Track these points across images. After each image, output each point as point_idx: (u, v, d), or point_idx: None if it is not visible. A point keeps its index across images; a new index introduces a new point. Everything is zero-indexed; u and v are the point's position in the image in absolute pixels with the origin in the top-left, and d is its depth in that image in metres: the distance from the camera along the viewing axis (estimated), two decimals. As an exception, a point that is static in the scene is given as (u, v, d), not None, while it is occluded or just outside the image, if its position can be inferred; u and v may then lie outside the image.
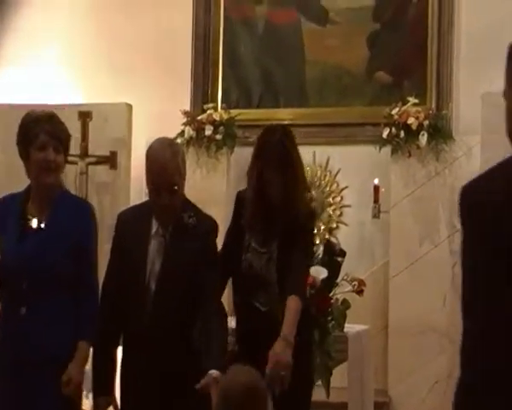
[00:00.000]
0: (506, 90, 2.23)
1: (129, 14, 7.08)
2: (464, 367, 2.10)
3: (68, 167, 6.34)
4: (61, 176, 3.70)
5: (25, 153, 3.55)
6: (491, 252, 2.05)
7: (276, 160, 3.55)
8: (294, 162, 3.64)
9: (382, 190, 6.31)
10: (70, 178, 6.34)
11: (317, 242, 5.73)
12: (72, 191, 5.80)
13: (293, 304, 3.40)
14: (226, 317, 3.46)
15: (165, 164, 3.34)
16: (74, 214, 3.55)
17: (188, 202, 3.50)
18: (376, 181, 6.30)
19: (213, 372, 3.10)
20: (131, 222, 3.53)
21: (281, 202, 3.55)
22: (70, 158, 6.17)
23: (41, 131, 3.50)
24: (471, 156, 6.26)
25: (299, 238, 3.55)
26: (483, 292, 2.06)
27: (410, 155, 6.36)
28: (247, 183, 3.67)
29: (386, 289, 6.27)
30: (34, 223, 3.53)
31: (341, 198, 6.71)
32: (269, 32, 7.08)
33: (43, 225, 3.52)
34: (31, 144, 3.52)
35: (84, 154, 6.49)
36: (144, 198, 3.76)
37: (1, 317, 3.56)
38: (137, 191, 6.08)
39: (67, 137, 3.65)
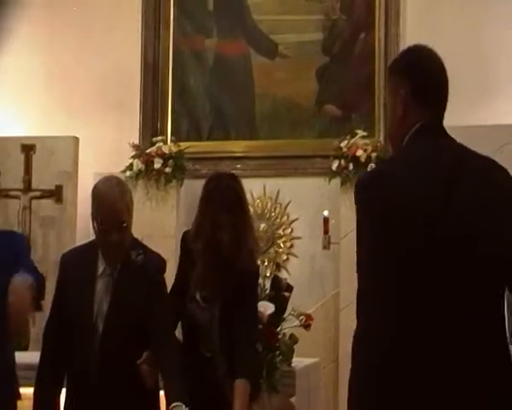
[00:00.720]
0: (387, 98, 2.54)
1: (77, 47, 7.06)
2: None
3: (10, 201, 6.31)
4: None
5: None
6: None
7: (227, 202, 3.52)
8: (245, 206, 3.63)
9: (332, 221, 6.33)
10: (13, 212, 6.26)
11: (267, 274, 5.74)
12: (15, 226, 5.73)
13: (241, 389, 3.40)
14: (182, 353, 3.43)
15: (114, 203, 3.31)
16: (7, 247, 3.48)
17: (135, 240, 3.47)
18: (326, 213, 6.32)
19: (177, 406, 3.09)
20: (76, 263, 3.47)
21: (231, 249, 3.51)
22: (12, 192, 6.16)
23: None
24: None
25: (245, 301, 3.53)
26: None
27: (359, 187, 6.38)
28: (195, 232, 3.62)
29: (336, 321, 6.28)
30: None
31: (292, 230, 6.73)
32: (219, 64, 7.11)
33: None
34: None
35: (28, 188, 6.39)
36: (91, 232, 3.72)
37: None
38: (84, 226, 6.02)
39: None
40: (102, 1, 7.14)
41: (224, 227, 3.48)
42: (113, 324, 3.32)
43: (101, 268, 3.39)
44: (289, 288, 4.38)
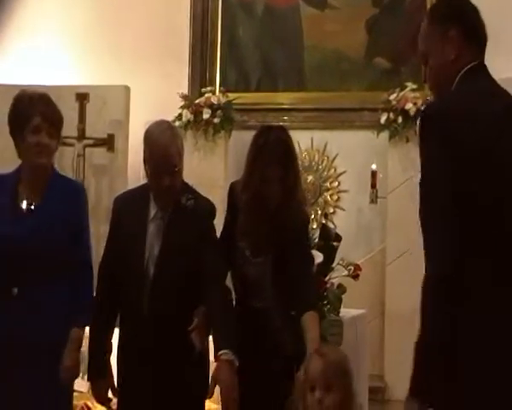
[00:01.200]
0: (427, 44, 2.60)
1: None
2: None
3: (66, 149, 6.37)
4: (52, 158, 3.65)
5: (17, 134, 3.47)
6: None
7: (277, 156, 3.50)
8: (294, 160, 3.61)
9: (380, 175, 6.29)
10: (67, 159, 6.35)
11: (314, 226, 5.74)
12: (70, 173, 5.79)
13: (314, 322, 3.38)
14: (231, 301, 3.45)
15: (166, 147, 3.32)
16: (68, 196, 3.49)
17: (186, 184, 3.48)
18: (374, 166, 6.29)
19: (225, 354, 3.11)
20: (129, 206, 3.50)
21: (280, 203, 3.51)
22: (67, 140, 6.21)
23: (35, 114, 3.42)
24: (469, 142, 6.23)
25: (300, 251, 3.52)
26: None
27: (407, 141, 6.34)
28: (243, 185, 3.61)
29: (382, 275, 6.27)
30: (24, 204, 3.46)
31: (339, 183, 6.71)
32: (268, 15, 7.06)
33: (33, 207, 3.46)
34: (24, 126, 3.44)
35: (82, 136, 6.46)
36: (142, 181, 3.74)
37: None
38: (135, 174, 6.07)
39: (61, 120, 3.57)
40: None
41: (273, 181, 3.46)
42: (163, 267, 3.35)
43: (152, 212, 3.42)
44: (338, 237, 4.37)
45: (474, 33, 2.44)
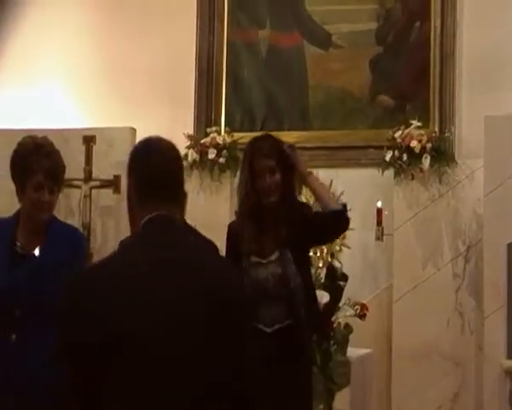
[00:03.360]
0: None
1: (133, 40, 7.14)
2: None
3: (72, 191, 6.42)
4: (52, 211, 3.58)
5: (18, 184, 3.47)
6: None
7: (265, 148, 3.60)
8: (283, 152, 3.69)
9: (385, 212, 6.31)
10: (74, 201, 6.39)
11: (320, 265, 5.75)
12: (76, 215, 5.80)
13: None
14: None
15: None
16: (66, 243, 3.48)
17: (187, 225, 3.51)
18: (379, 204, 6.31)
19: None
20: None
21: (279, 194, 3.56)
22: (74, 182, 6.27)
23: (38, 171, 3.42)
24: (474, 179, 6.27)
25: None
26: None
27: (412, 178, 6.36)
28: (238, 192, 3.69)
29: (389, 313, 6.26)
30: (20, 249, 3.45)
31: (344, 221, 6.71)
32: (272, 55, 7.12)
33: (36, 253, 3.45)
34: (26, 180, 3.44)
35: (88, 178, 6.52)
36: None
37: None
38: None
39: (63, 172, 3.57)
40: (157, -7, 7.19)
41: (263, 173, 3.53)
42: None
43: None
44: (344, 277, 4.39)
45: (143, 186, 2.31)
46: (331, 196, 3.69)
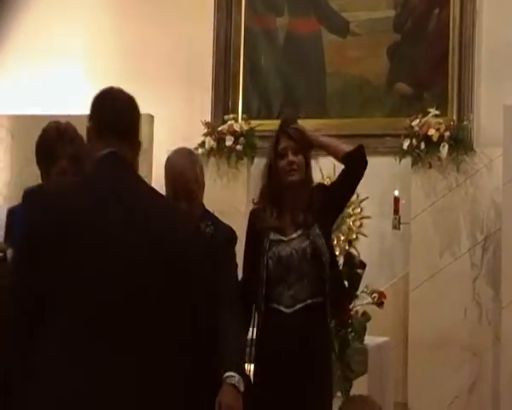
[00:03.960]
0: None
1: (151, 26, 7.14)
2: None
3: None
4: None
5: (43, 169, 3.49)
6: None
7: (291, 130, 3.65)
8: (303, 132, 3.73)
9: (403, 201, 6.28)
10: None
11: (337, 253, 5.72)
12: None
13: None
14: (247, 326, 3.44)
15: (182, 171, 3.36)
16: None
17: (206, 211, 3.50)
18: (396, 192, 6.28)
19: (230, 377, 3.07)
20: None
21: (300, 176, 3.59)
22: (91, 168, 6.27)
23: (62, 155, 3.44)
24: (492, 168, 6.23)
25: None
26: None
27: (430, 167, 6.33)
28: (262, 174, 3.73)
29: (406, 301, 6.24)
30: None
31: (361, 209, 6.70)
32: (290, 42, 7.09)
33: None
34: (50, 165, 3.45)
35: (106, 163, 6.51)
36: None
37: None
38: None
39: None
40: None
41: (285, 154, 3.58)
42: None
43: None
44: (362, 264, 4.35)
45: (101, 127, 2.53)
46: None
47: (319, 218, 3.55)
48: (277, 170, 3.61)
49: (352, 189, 3.85)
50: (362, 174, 3.78)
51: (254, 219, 3.67)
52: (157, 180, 6.14)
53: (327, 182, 6.67)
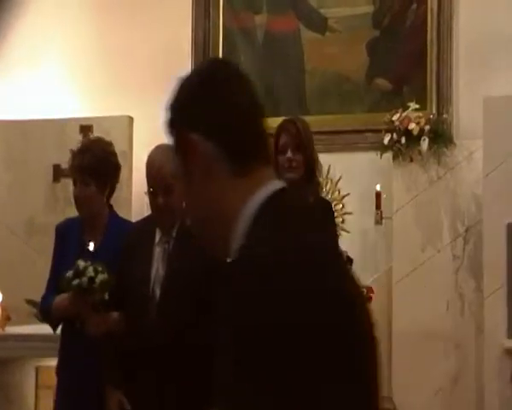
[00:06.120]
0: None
1: (129, 28, 7.12)
2: None
3: (70, 181, 6.40)
4: (102, 200, 3.86)
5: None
6: None
7: (292, 127, 3.66)
8: (309, 140, 3.73)
9: (384, 196, 6.31)
10: (70, 191, 6.37)
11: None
12: (73, 205, 5.86)
13: None
14: None
15: (160, 166, 3.39)
16: (121, 236, 3.66)
17: None
18: (378, 187, 6.31)
19: None
20: (135, 235, 3.56)
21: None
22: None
23: (73, 168, 3.81)
24: (472, 160, 6.26)
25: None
26: None
27: (411, 161, 6.35)
28: None
29: (389, 295, 6.26)
30: (91, 246, 3.75)
31: (343, 206, 6.72)
32: (268, 41, 7.10)
33: (91, 248, 3.74)
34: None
35: (86, 167, 6.52)
36: (146, 211, 3.80)
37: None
38: (139, 205, 6.08)
39: (99, 166, 3.78)
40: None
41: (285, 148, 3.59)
42: (169, 290, 3.37)
43: (157, 237, 3.45)
44: (349, 260, 4.34)
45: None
46: None
47: None
48: (277, 166, 3.63)
49: None
50: None
51: None
52: (137, 183, 6.21)
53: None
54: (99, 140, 3.95)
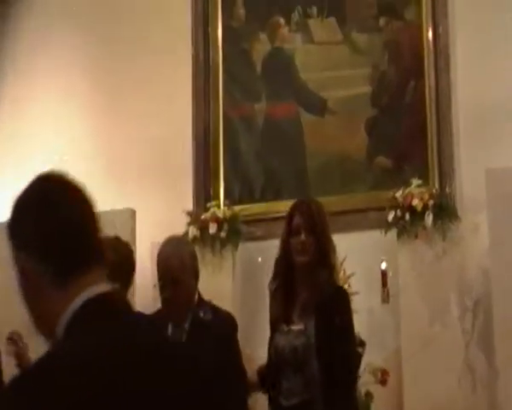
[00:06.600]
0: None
1: (130, 122, 7.22)
2: None
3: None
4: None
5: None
6: None
7: (306, 208, 3.60)
8: (323, 222, 3.67)
9: (390, 274, 6.25)
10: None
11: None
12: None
13: None
14: None
15: (167, 258, 3.41)
16: None
17: (202, 299, 3.51)
18: (384, 265, 6.25)
19: None
20: None
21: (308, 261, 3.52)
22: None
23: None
24: (478, 233, 6.21)
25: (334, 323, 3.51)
26: None
27: (416, 237, 6.31)
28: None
29: (399, 375, 6.13)
30: None
31: (349, 285, 6.63)
32: (269, 126, 7.17)
33: None
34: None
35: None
36: (150, 302, 3.81)
37: None
38: (142, 297, 6.05)
39: (123, 263, 3.79)
40: (152, 70, 7.28)
41: (299, 233, 3.49)
42: None
43: (170, 330, 3.42)
44: (362, 343, 4.25)
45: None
46: None
47: (322, 311, 3.49)
48: (289, 247, 3.61)
49: None
50: None
51: (271, 302, 3.66)
52: (141, 275, 6.17)
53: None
54: (118, 238, 3.93)
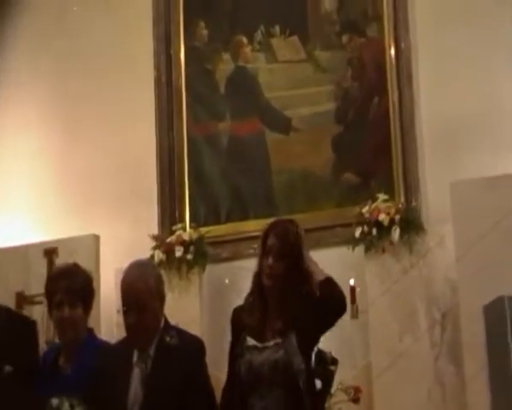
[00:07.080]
0: None
1: (92, 145, 7.19)
2: None
3: (34, 308, 6.30)
4: (87, 323, 3.85)
5: (49, 313, 3.81)
6: None
7: (280, 229, 3.57)
8: (299, 245, 3.64)
9: (358, 289, 6.23)
10: (37, 318, 6.27)
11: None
12: (40, 332, 5.79)
13: None
14: None
15: (131, 282, 3.38)
16: (92, 358, 3.60)
17: (168, 323, 3.48)
18: (352, 282, 6.23)
19: None
20: (112, 358, 3.50)
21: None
22: (36, 298, 6.16)
23: (58, 290, 3.71)
24: (444, 246, 6.22)
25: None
26: None
27: (383, 252, 6.31)
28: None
29: (369, 390, 6.11)
30: (64, 370, 3.67)
31: (317, 303, 6.62)
32: (233, 145, 7.16)
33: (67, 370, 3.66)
34: (51, 304, 3.74)
35: (51, 292, 6.42)
36: (115, 330, 3.79)
37: None
38: (107, 324, 6.01)
39: (84, 288, 3.78)
40: (114, 94, 7.26)
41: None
42: None
43: (135, 356, 3.39)
44: (335, 361, 4.19)
45: None
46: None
47: (301, 326, 3.47)
48: (261, 268, 3.58)
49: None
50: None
51: (235, 319, 3.62)
52: (105, 300, 6.12)
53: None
54: (77, 265, 3.94)
